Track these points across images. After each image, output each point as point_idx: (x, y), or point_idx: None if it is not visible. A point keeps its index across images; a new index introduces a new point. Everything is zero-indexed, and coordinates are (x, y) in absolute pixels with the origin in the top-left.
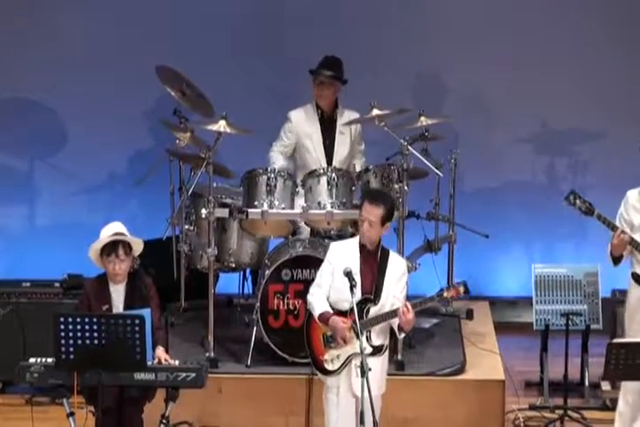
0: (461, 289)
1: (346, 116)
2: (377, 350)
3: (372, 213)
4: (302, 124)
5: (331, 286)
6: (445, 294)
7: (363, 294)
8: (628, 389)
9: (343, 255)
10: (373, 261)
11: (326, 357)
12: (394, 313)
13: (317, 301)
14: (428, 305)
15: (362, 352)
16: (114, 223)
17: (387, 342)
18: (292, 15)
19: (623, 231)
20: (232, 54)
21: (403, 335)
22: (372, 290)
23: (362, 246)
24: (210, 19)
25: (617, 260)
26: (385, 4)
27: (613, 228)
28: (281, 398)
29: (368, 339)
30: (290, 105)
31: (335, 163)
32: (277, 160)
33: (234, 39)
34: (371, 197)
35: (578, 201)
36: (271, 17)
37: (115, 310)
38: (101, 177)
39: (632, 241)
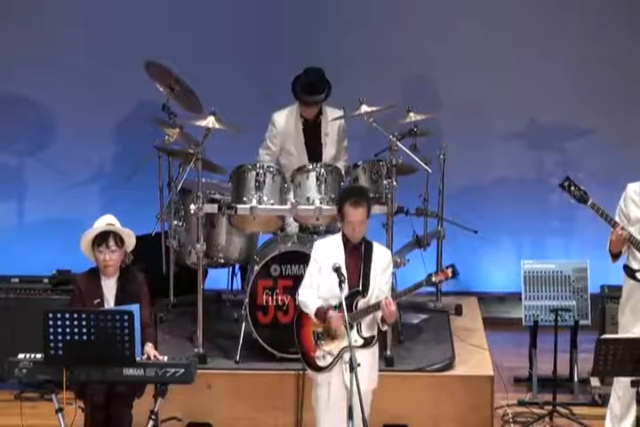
0: (449, 272)
1: (329, 115)
2: (367, 342)
3: (359, 214)
4: (285, 127)
5: (320, 285)
6: (434, 278)
7: (350, 288)
8: (619, 384)
9: (328, 252)
10: (358, 255)
11: (318, 353)
12: (377, 306)
13: (309, 299)
14: (418, 290)
15: (350, 347)
16: (106, 216)
17: (376, 334)
18: (290, 14)
19: (622, 228)
20: (228, 54)
21: (385, 328)
22: (360, 283)
23: (345, 242)
24: (205, 17)
25: (615, 256)
26: (377, 4)
27: (614, 224)
28: (270, 394)
29: (359, 331)
30: (285, 104)
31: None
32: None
33: (230, 38)
34: (352, 199)
35: (572, 188)
36: (268, 16)
37: (106, 305)
38: (90, 173)
39: (630, 237)
